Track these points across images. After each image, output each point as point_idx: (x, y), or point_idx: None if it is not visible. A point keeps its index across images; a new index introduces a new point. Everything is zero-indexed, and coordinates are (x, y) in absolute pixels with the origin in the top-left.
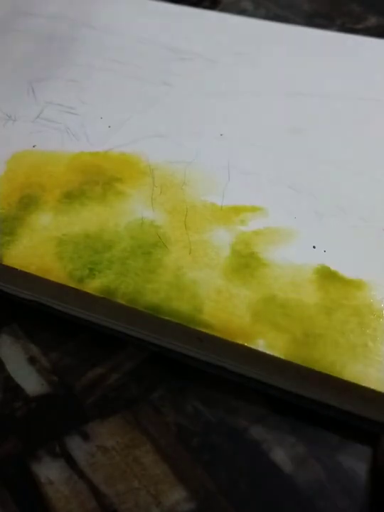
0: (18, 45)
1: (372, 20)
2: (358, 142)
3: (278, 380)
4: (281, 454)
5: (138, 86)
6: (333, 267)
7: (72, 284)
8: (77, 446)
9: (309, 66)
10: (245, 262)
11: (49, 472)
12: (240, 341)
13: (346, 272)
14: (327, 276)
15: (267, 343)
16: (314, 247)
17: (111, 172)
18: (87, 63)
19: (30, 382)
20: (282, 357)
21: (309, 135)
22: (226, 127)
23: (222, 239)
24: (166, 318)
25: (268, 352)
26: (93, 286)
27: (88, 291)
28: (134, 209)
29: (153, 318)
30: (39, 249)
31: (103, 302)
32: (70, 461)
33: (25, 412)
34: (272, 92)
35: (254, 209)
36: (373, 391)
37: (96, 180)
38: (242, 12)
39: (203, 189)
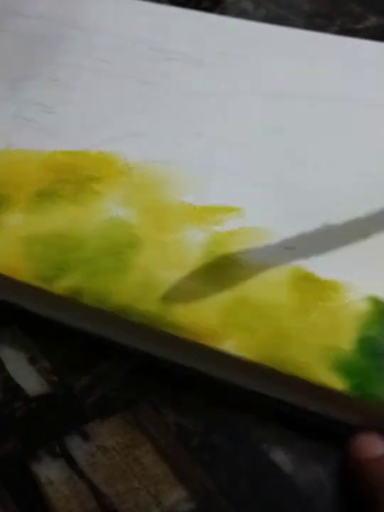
0: (4, 45)
1: (372, 20)
2: (337, 143)
3: (248, 381)
4: (281, 454)
5: (121, 85)
6: (308, 268)
7: (39, 284)
8: (77, 446)
9: (294, 67)
10: (218, 263)
11: (49, 472)
12: (207, 343)
13: (322, 273)
14: (301, 277)
15: (236, 344)
16: (289, 248)
17: (87, 171)
18: (73, 63)
19: (30, 382)
20: (250, 358)
21: (289, 135)
22: (207, 127)
23: (195, 239)
24: (133, 319)
25: (236, 354)
26: (60, 286)
27: (55, 291)
28: (108, 208)
29: (121, 320)
30: (7, 248)
31: (71, 302)
32: (70, 461)
33: (25, 412)
34: (254, 92)
35: (230, 209)
36: (341, 394)
37: (68, 178)
38: (242, 12)
39: (179, 189)
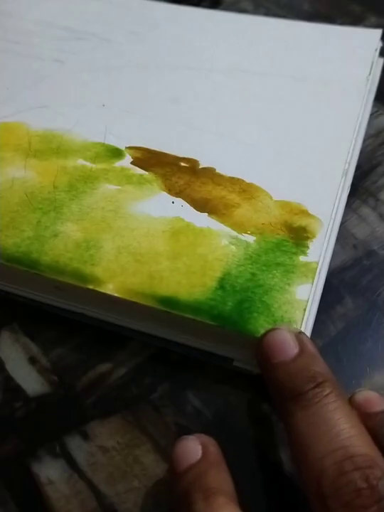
0: None
1: (372, 20)
2: (234, 112)
3: (135, 323)
4: (281, 454)
5: (30, 63)
6: (187, 219)
7: None
8: (77, 446)
9: (197, 43)
10: (104, 216)
11: (49, 472)
12: (90, 286)
13: (198, 223)
14: (180, 227)
15: (114, 286)
16: (173, 202)
17: None
18: None
19: (30, 382)
20: (122, 297)
21: (188, 105)
22: (109, 98)
23: (89, 197)
24: (25, 269)
25: (113, 294)
26: None
27: None
28: (6, 172)
29: (14, 271)
30: None
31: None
32: (70, 461)
33: (25, 412)
34: (158, 66)
35: (123, 170)
36: (204, 324)
37: None
38: (242, 12)
39: (77, 154)
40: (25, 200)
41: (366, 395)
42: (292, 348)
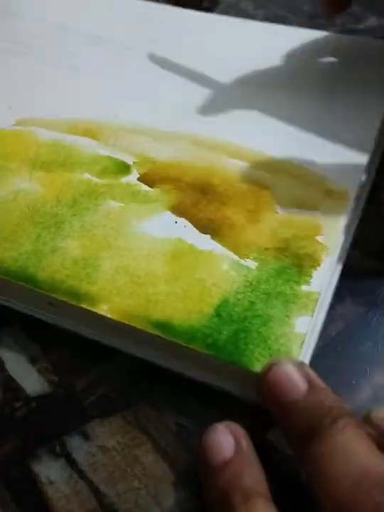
0: None
1: (372, 20)
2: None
3: (127, 346)
4: (281, 454)
5: (44, 68)
6: (189, 241)
7: None
8: (77, 446)
9: (218, 52)
10: (105, 234)
11: (49, 472)
12: (84, 306)
13: (200, 245)
14: (182, 249)
15: (109, 307)
16: (176, 222)
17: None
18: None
19: (30, 382)
20: (119, 319)
21: (205, 120)
22: (122, 108)
23: (92, 214)
24: (21, 283)
25: (107, 315)
26: None
27: None
28: (10, 183)
29: (9, 284)
30: None
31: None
32: (71, 461)
33: (25, 412)
34: (176, 75)
35: (128, 186)
36: (197, 352)
37: None
38: (241, 12)
39: (84, 167)
40: (26, 214)
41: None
42: (300, 385)
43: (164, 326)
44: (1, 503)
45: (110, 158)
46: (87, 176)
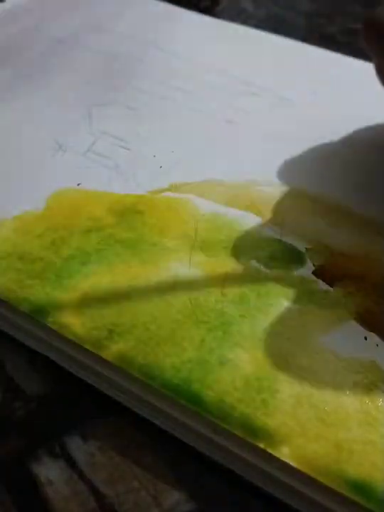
0: (83, 63)
1: None
2: None
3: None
4: None
5: (200, 120)
6: None
7: (89, 346)
8: (77, 447)
9: None
10: (281, 346)
11: (49, 472)
12: (261, 445)
13: None
14: (376, 379)
15: (291, 451)
16: (366, 338)
17: (152, 219)
18: (150, 89)
19: (30, 382)
20: (305, 470)
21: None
22: (290, 174)
23: (263, 316)
24: (183, 402)
25: (290, 463)
26: (111, 351)
27: (105, 357)
28: (169, 267)
29: (170, 399)
30: (63, 295)
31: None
32: (70, 462)
33: (25, 412)
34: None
35: (303, 282)
36: None
37: (133, 226)
38: (242, 12)
39: (249, 251)
40: (188, 308)
41: None
42: None
43: (362, 487)
44: (1, 503)
45: (279, 241)
46: (254, 263)
